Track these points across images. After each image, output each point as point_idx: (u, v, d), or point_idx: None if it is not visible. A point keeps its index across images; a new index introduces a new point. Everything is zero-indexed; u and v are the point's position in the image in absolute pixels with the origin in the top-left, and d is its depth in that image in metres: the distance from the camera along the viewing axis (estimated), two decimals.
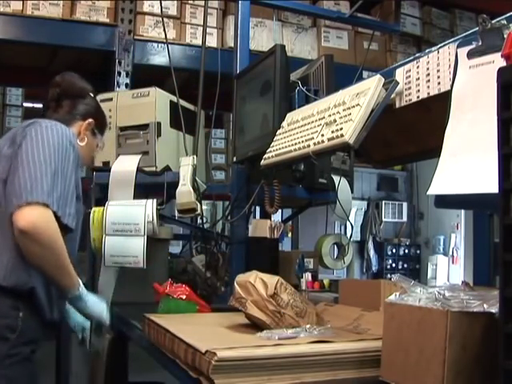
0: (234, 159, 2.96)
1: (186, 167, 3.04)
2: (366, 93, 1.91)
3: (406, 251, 10.97)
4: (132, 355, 3.19)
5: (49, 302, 2.26)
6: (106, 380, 3.01)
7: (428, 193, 1.58)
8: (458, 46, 1.71)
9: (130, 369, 3.27)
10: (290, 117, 2.41)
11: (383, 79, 1.94)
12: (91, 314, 2.50)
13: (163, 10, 4.14)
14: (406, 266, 10.91)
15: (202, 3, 4.38)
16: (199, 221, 3.41)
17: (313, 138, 2.07)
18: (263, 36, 4.67)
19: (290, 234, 6.98)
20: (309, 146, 2.08)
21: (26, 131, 2.24)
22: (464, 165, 1.52)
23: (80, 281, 2.38)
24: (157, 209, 2.97)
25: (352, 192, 3.41)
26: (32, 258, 2.14)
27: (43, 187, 2.11)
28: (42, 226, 2.09)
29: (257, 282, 1.90)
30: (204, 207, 3.12)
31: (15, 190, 2.10)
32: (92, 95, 2.67)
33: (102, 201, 3.18)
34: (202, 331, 1.95)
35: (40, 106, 7.63)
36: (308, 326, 1.81)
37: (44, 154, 2.17)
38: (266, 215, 3.27)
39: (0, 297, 2.12)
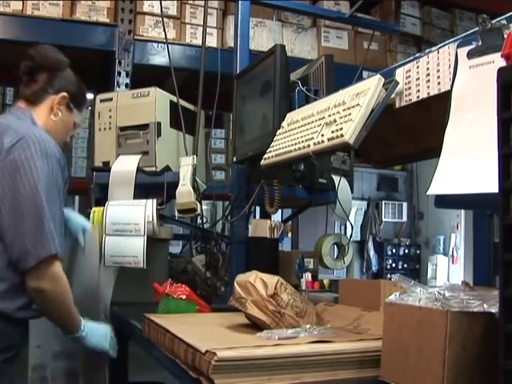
0: (234, 159, 2.96)
1: (185, 167, 3.04)
2: (366, 93, 1.91)
3: (406, 251, 10.96)
4: (132, 355, 3.19)
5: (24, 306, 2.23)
6: (106, 380, 3.01)
7: (428, 193, 1.57)
8: (458, 46, 1.71)
9: (130, 369, 3.27)
10: (290, 117, 2.41)
11: (383, 79, 1.94)
12: (94, 350, 2.45)
13: (163, 9, 4.14)
14: (405, 266, 10.90)
15: (202, 3, 4.38)
16: (199, 221, 3.41)
17: (313, 138, 2.07)
18: (263, 36, 4.67)
19: (289, 234, 6.98)
20: (309, 145, 2.08)
21: (11, 153, 2.15)
22: (464, 165, 1.52)
23: (81, 320, 2.36)
24: (157, 209, 2.97)
25: (352, 192, 3.41)
26: (41, 308, 2.23)
27: (47, 235, 2.11)
28: (55, 286, 2.16)
29: (257, 282, 1.90)
30: (204, 207, 3.12)
31: (22, 244, 2.10)
32: (69, 68, 2.54)
33: (101, 201, 3.19)
34: (202, 331, 1.95)
35: None
36: (308, 326, 1.81)
37: (39, 198, 2.12)
38: (265, 215, 3.27)
39: None
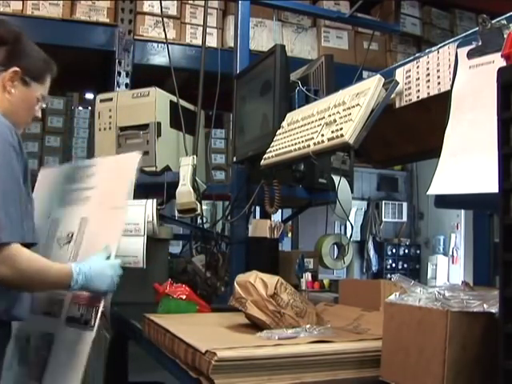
0: (234, 159, 2.97)
1: (186, 167, 3.04)
2: (366, 93, 1.91)
3: (406, 251, 10.94)
4: (132, 355, 3.18)
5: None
6: (106, 380, 3.01)
7: (428, 193, 1.57)
8: (458, 46, 1.71)
9: (130, 369, 3.27)
10: (290, 117, 2.41)
11: (383, 79, 1.94)
12: (99, 291, 2.21)
13: (163, 10, 4.15)
14: (406, 266, 10.88)
15: (202, 3, 4.39)
16: (199, 221, 3.42)
17: (313, 138, 2.07)
18: (263, 36, 4.67)
19: (289, 234, 6.97)
20: (309, 145, 2.08)
21: None
22: (464, 165, 1.52)
23: (71, 268, 2.10)
24: (157, 209, 2.97)
25: (352, 192, 3.41)
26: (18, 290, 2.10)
27: (8, 221, 1.93)
28: (19, 271, 1.95)
29: (257, 282, 1.90)
30: (204, 207, 3.13)
31: None
32: (21, 39, 2.22)
33: None
34: (202, 331, 1.95)
35: None
36: (308, 325, 1.81)
37: None
38: (265, 215, 3.27)
39: None
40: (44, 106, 2.35)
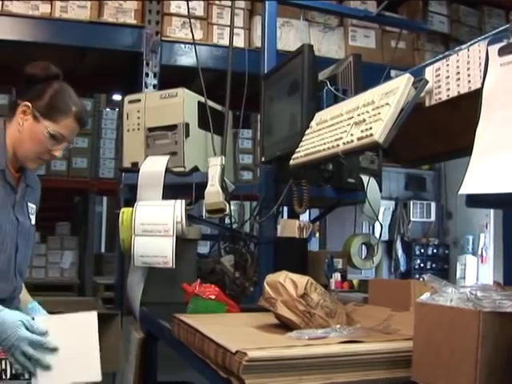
0: (263, 159, 2.96)
1: (214, 167, 3.05)
2: (395, 92, 1.90)
3: (435, 251, 10.87)
4: (161, 355, 3.20)
5: None
6: (136, 380, 3.02)
7: (459, 192, 1.56)
8: (488, 44, 1.69)
9: (159, 369, 3.28)
10: (319, 116, 2.40)
11: (412, 78, 1.93)
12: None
13: (190, 10, 4.17)
14: (434, 266, 10.81)
15: (229, 3, 4.41)
16: (227, 221, 3.42)
17: (342, 138, 2.06)
18: (290, 36, 4.67)
19: (317, 234, 6.96)
20: (338, 145, 2.08)
21: None
22: (495, 164, 1.51)
23: None
24: (185, 209, 2.98)
25: (380, 191, 3.40)
26: None
27: None
28: None
29: (287, 282, 1.89)
30: (231, 207, 3.13)
31: None
32: (51, 80, 2.41)
33: (130, 201, 3.21)
34: (232, 331, 1.95)
35: None
36: (338, 326, 1.80)
37: None
38: (293, 215, 3.26)
39: None
40: (64, 145, 2.42)
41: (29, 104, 2.33)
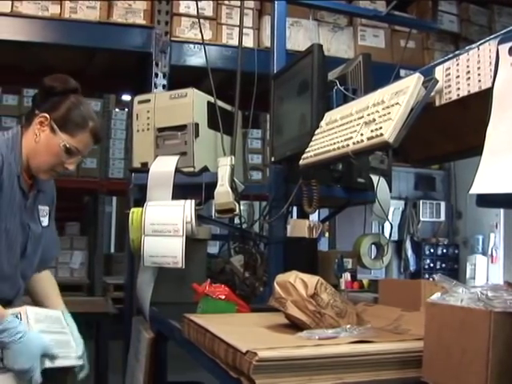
0: (272, 159, 2.96)
1: (224, 167, 3.05)
2: (405, 91, 1.90)
3: (444, 251, 10.85)
4: (171, 355, 3.20)
5: None
6: (146, 380, 3.03)
7: (470, 192, 1.56)
8: (498, 43, 1.68)
9: (169, 368, 3.29)
10: (329, 116, 2.40)
11: (422, 77, 1.93)
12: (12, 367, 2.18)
13: (199, 11, 4.17)
14: (444, 265, 10.79)
15: (238, 4, 4.40)
16: (237, 221, 3.42)
17: (352, 138, 2.06)
18: (299, 35, 4.67)
19: (326, 234, 6.95)
20: (348, 145, 2.07)
21: None
22: (506, 163, 1.50)
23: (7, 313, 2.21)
24: (195, 209, 2.98)
25: (390, 191, 3.39)
26: None
27: None
28: None
29: (297, 282, 1.89)
30: (241, 207, 3.13)
31: None
32: (73, 93, 2.47)
33: (140, 201, 3.21)
34: (242, 331, 1.95)
35: None
36: (348, 326, 1.80)
37: None
38: (303, 215, 3.26)
39: None
40: (78, 159, 2.50)
41: (47, 116, 2.37)
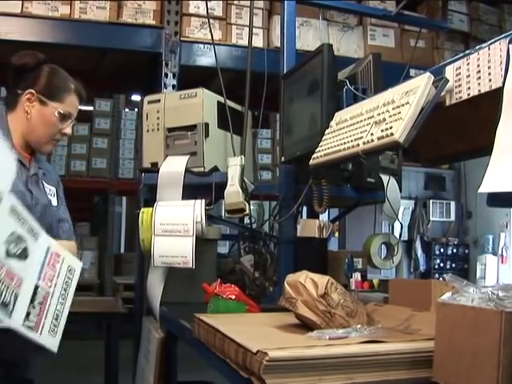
0: (282, 159, 2.96)
1: (234, 167, 3.05)
2: (415, 91, 1.90)
3: (454, 251, 10.84)
4: (181, 355, 3.21)
5: None
6: (156, 380, 3.03)
7: (479, 191, 1.55)
8: (509, 42, 1.68)
9: (179, 368, 3.29)
10: (339, 116, 2.40)
11: (433, 77, 1.92)
12: None
13: (209, 11, 4.17)
14: (454, 265, 10.78)
15: (248, 3, 4.40)
16: (246, 221, 3.42)
17: (362, 137, 2.06)
18: (309, 35, 4.67)
19: (336, 234, 6.96)
20: (358, 145, 2.07)
21: None
22: None
23: None
24: (205, 209, 2.99)
25: (400, 191, 3.39)
26: None
27: None
28: None
29: (307, 282, 1.89)
30: (251, 207, 3.13)
31: None
32: (41, 65, 2.48)
33: (150, 202, 3.22)
34: (252, 331, 1.95)
35: (86, 108, 7.77)
36: (359, 326, 1.80)
37: None
38: (313, 215, 3.26)
39: None
40: (71, 122, 2.52)
41: (33, 91, 2.40)
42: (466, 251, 10.94)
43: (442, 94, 1.92)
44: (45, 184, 2.50)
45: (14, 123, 2.43)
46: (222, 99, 3.43)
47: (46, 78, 2.45)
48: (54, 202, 2.53)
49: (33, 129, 2.42)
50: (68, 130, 2.51)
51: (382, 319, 2.02)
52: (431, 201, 10.75)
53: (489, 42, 1.82)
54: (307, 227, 2.85)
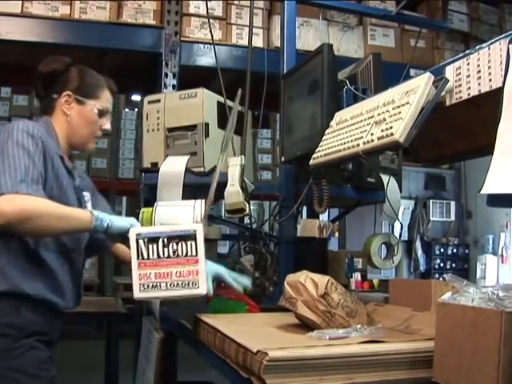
0: (283, 159, 2.96)
1: (234, 167, 3.04)
2: (415, 91, 1.90)
3: (455, 251, 10.83)
4: (181, 355, 3.21)
5: (55, 293, 2.31)
6: (156, 380, 3.03)
7: (481, 192, 1.55)
8: (509, 42, 1.68)
9: (179, 368, 3.29)
10: (339, 116, 2.40)
11: (433, 77, 1.92)
12: (118, 231, 2.28)
13: (209, 11, 4.17)
14: (454, 265, 10.77)
15: (248, 3, 4.40)
16: (246, 221, 3.41)
17: (362, 137, 2.06)
18: (309, 35, 4.66)
19: (337, 234, 6.96)
20: (358, 145, 2.07)
21: None
22: None
23: (93, 212, 2.29)
24: (205, 209, 2.98)
25: (400, 191, 3.38)
26: (35, 233, 2.23)
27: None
28: (18, 206, 2.09)
29: (307, 282, 1.90)
30: (251, 207, 3.12)
31: None
32: (70, 67, 2.53)
33: (150, 201, 3.21)
34: (253, 331, 1.96)
35: None
36: (359, 326, 1.80)
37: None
38: (313, 215, 3.26)
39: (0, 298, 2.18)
40: (109, 117, 2.60)
41: (70, 92, 2.46)
42: (466, 251, 10.93)
43: (442, 93, 1.92)
44: (83, 193, 2.57)
45: (57, 126, 2.47)
46: (222, 99, 3.42)
47: (78, 78, 2.50)
48: (90, 207, 2.56)
49: (75, 129, 2.48)
50: (108, 126, 2.58)
51: (382, 319, 2.02)
52: (431, 201, 10.74)
53: (489, 42, 1.82)
54: (307, 227, 2.85)
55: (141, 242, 2.17)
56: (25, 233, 2.21)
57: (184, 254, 2.18)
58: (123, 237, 2.26)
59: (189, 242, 2.19)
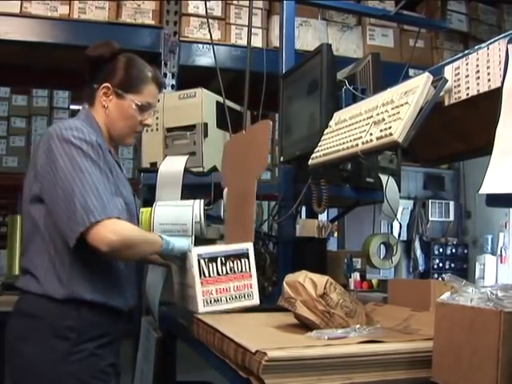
0: (282, 159, 2.96)
1: None
2: (414, 91, 1.90)
3: (454, 251, 10.81)
4: (180, 355, 3.20)
5: (117, 295, 2.32)
6: (155, 379, 3.03)
7: (480, 192, 1.55)
8: (508, 42, 1.68)
9: (178, 368, 3.29)
10: (338, 116, 2.40)
11: (432, 77, 1.92)
12: (179, 251, 2.35)
13: (208, 11, 4.17)
14: (453, 265, 10.75)
15: (247, 3, 4.40)
16: None
17: (361, 137, 2.06)
18: (308, 35, 4.67)
19: (336, 234, 6.96)
20: (357, 145, 2.07)
21: (39, 151, 2.21)
22: None
23: (159, 236, 2.35)
24: (204, 209, 2.98)
25: (399, 191, 3.38)
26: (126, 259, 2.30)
27: (79, 211, 2.08)
28: (122, 236, 2.11)
29: (306, 282, 1.89)
30: None
31: (62, 230, 2.12)
32: (117, 56, 2.45)
33: (149, 201, 3.21)
34: (251, 331, 1.96)
35: None
36: (358, 326, 1.80)
37: (61, 182, 2.11)
38: (312, 215, 3.26)
39: (61, 302, 2.15)
40: (152, 112, 2.51)
41: (108, 85, 2.36)
42: (465, 251, 10.91)
43: (441, 94, 1.93)
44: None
45: (98, 118, 2.40)
46: (221, 99, 3.43)
47: (122, 69, 2.40)
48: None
49: (112, 122, 2.40)
50: (149, 121, 2.48)
51: (381, 319, 2.02)
52: (430, 201, 10.72)
53: (488, 42, 1.82)
54: (306, 227, 2.85)
55: (202, 261, 2.30)
56: (119, 259, 2.25)
57: (239, 270, 2.35)
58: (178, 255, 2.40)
59: (243, 260, 2.36)
